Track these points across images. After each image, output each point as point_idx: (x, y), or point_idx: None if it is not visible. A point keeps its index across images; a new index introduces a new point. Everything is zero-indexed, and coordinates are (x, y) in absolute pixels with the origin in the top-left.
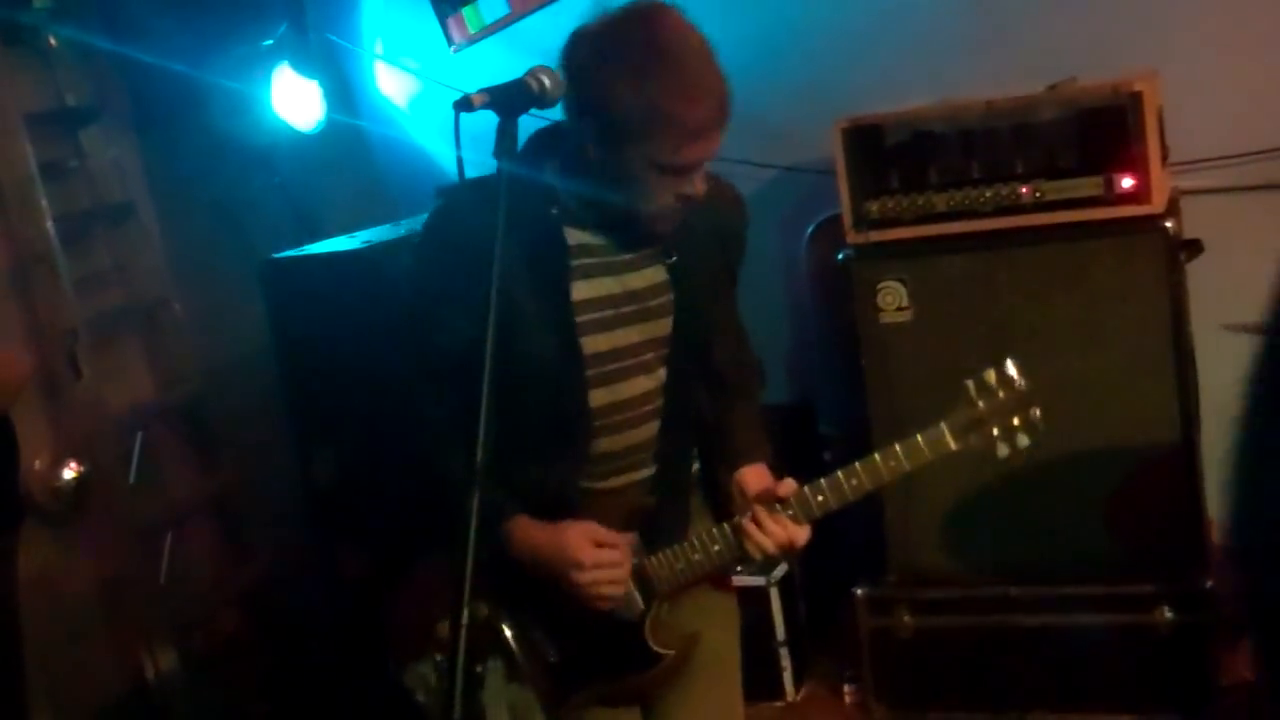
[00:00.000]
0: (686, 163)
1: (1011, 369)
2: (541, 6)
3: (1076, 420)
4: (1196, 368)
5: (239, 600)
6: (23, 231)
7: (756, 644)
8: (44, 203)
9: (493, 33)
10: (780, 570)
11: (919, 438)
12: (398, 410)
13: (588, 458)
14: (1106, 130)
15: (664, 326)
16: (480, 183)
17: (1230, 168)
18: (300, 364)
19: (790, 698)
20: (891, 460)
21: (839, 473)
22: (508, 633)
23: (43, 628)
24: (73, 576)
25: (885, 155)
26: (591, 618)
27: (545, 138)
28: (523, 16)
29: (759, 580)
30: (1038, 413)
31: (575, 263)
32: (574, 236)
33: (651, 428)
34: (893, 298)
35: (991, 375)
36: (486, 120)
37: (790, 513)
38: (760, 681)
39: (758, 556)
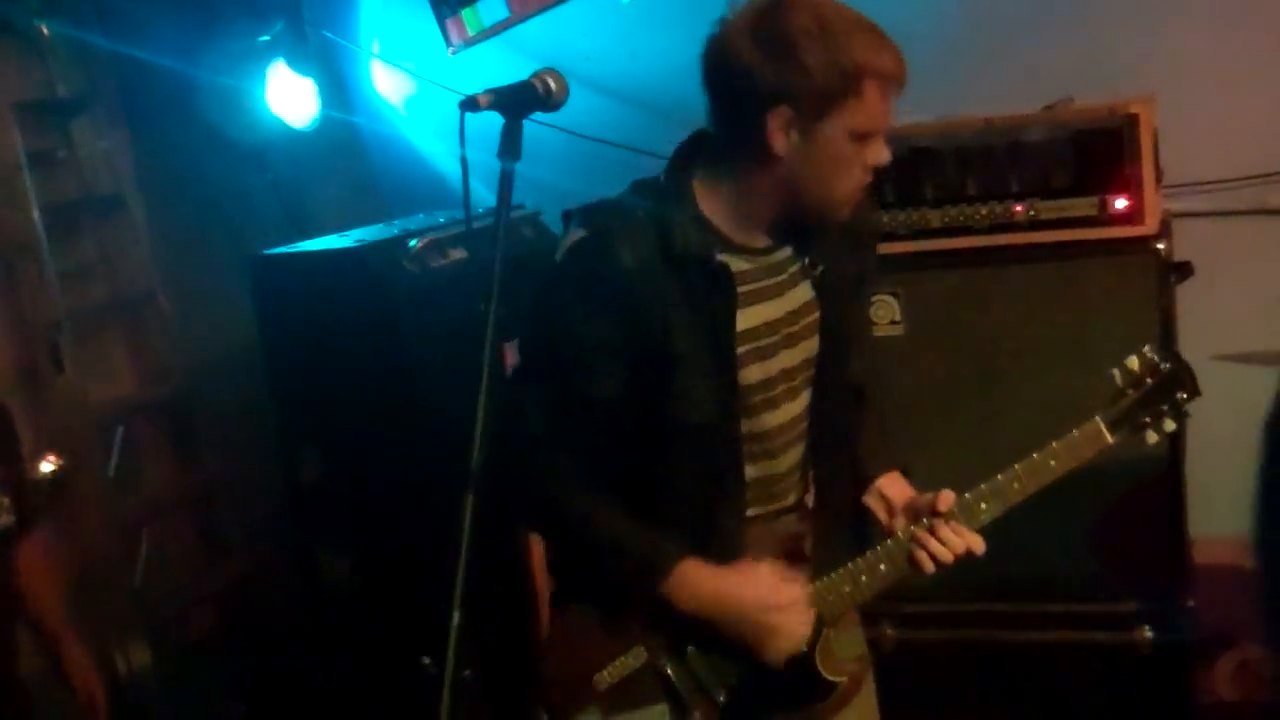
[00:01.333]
0: (883, 122)
1: (1152, 354)
2: (541, 11)
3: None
4: None
5: (215, 599)
6: (8, 221)
7: None
8: (31, 193)
9: (491, 35)
10: None
11: (1076, 433)
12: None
13: (738, 491)
14: (1102, 151)
15: (811, 347)
16: (621, 210)
17: (1222, 192)
18: (288, 363)
19: None
20: (1051, 459)
21: (999, 477)
22: (671, 674)
23: None
24: None
25: (881, 170)
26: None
27: (686, 160)
28: (522, 20)
29: None
30: (1184, 395)
31: (741, 290)
32: (734, 264)
33: (798, 452)
34: (886, 312)
35: (1135, 363)
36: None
37: (957, 523)
38: None
39: (931, 569)
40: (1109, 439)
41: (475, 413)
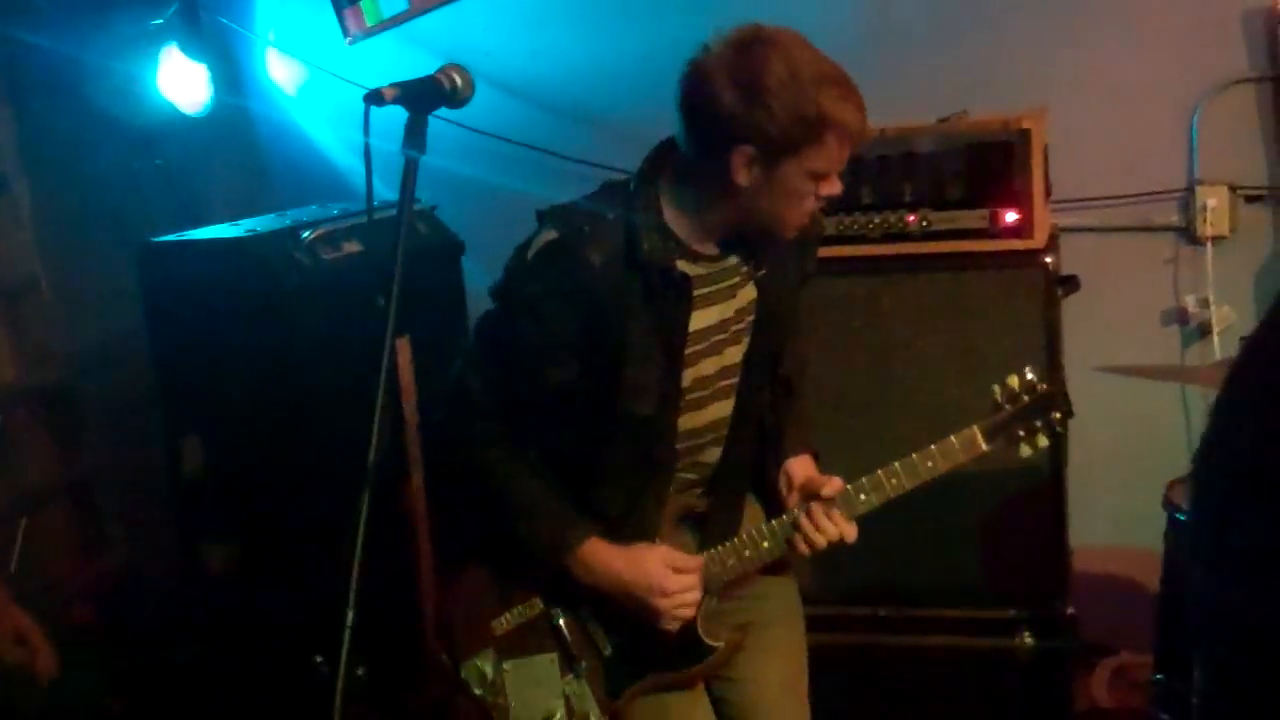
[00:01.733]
0: (839, 165)
1: (1031, 375)
2: (442, 5)
3: None
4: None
5: (95, 591)
6: None
7: None
8: None
9: (390, 27)
10: None
11: (954, 439)
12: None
13: (666, 476)
14: (993, 165)
15: (740, 350)
16: (591, 215)
17: (1108, 208)
18: (174, 352)
19: None
20: (929, 460)
21: (880, 472)
22: (563, 626)
23: None
24: None
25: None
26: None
27: (652, 172)
28: (422, 13)
29: None
30: (1057, 416)
31: (696, 293)
32: (691, 270)
33: (718, 448)
34: None
35: (1014, 381)
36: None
37: (836, 511)
38: None
39: (807, 552)
40: (983, 446)
41: (366, 407)
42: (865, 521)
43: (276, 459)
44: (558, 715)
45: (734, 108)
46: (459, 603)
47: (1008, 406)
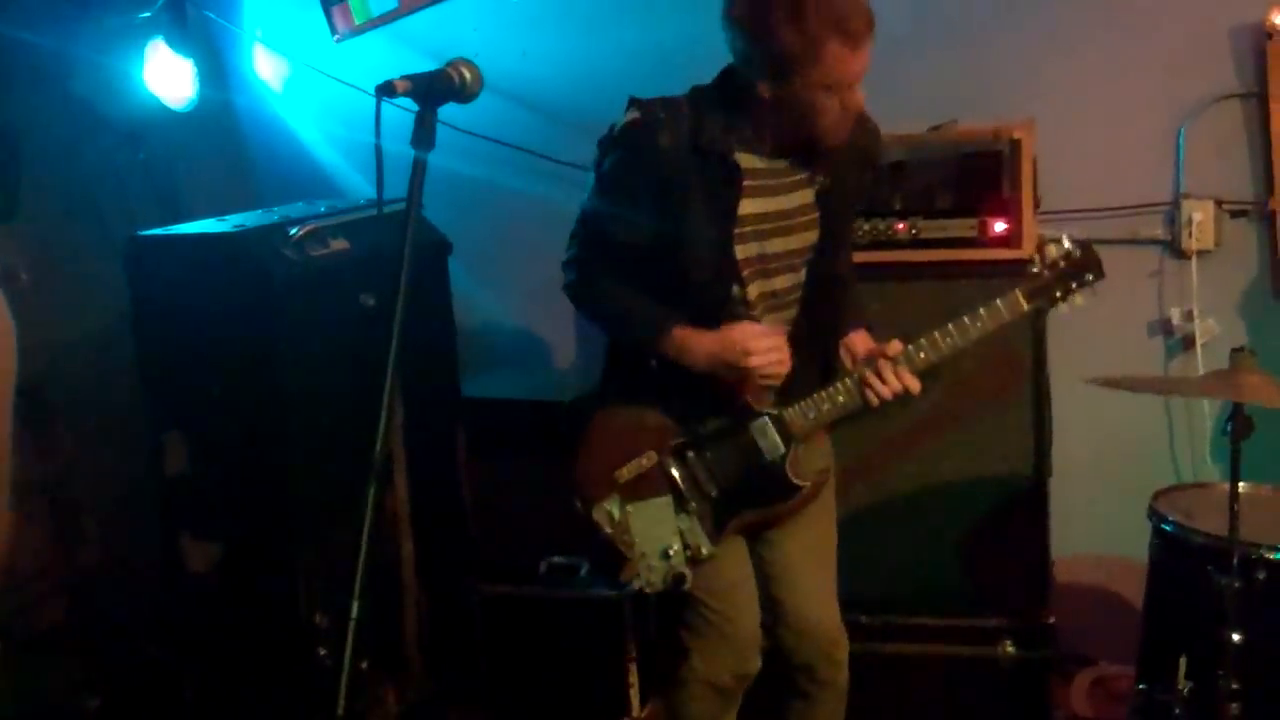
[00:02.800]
0: (850, 75)
1: (1067, 243)
2: (431, 4)
3: (934, 455)
4: (1052, 412)
5: (70, 589)
6: None
7: (605, 659)
8: None
9: (378, 26)
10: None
11: (998, 301)
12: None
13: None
14: (983, 174)
15: (808, 239)
16: (669, 104)
17: (1095, 220)
18: (158, 347)
19: (636, 714)
20: (977, 321)
21: (935, 332)
22: (675, 474)
23: None
24: None
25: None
26: (744, 459)
27: (725, 77)
28: (411, 12)
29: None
30: (1090, 277)
31: (746, 183)
32: (746, 161)
33: (793, 311)
34: None
35: (1053, 250)
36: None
37: (901, 366)
38: (607, 697)
39: (876, 402)
40: (1024, 306)
41: (351, 406)
42: (846, 527)
43: (260, 457)
44: (674, 547)
45: (742, 31)
46: (588, 453)
47: (1046, 272)
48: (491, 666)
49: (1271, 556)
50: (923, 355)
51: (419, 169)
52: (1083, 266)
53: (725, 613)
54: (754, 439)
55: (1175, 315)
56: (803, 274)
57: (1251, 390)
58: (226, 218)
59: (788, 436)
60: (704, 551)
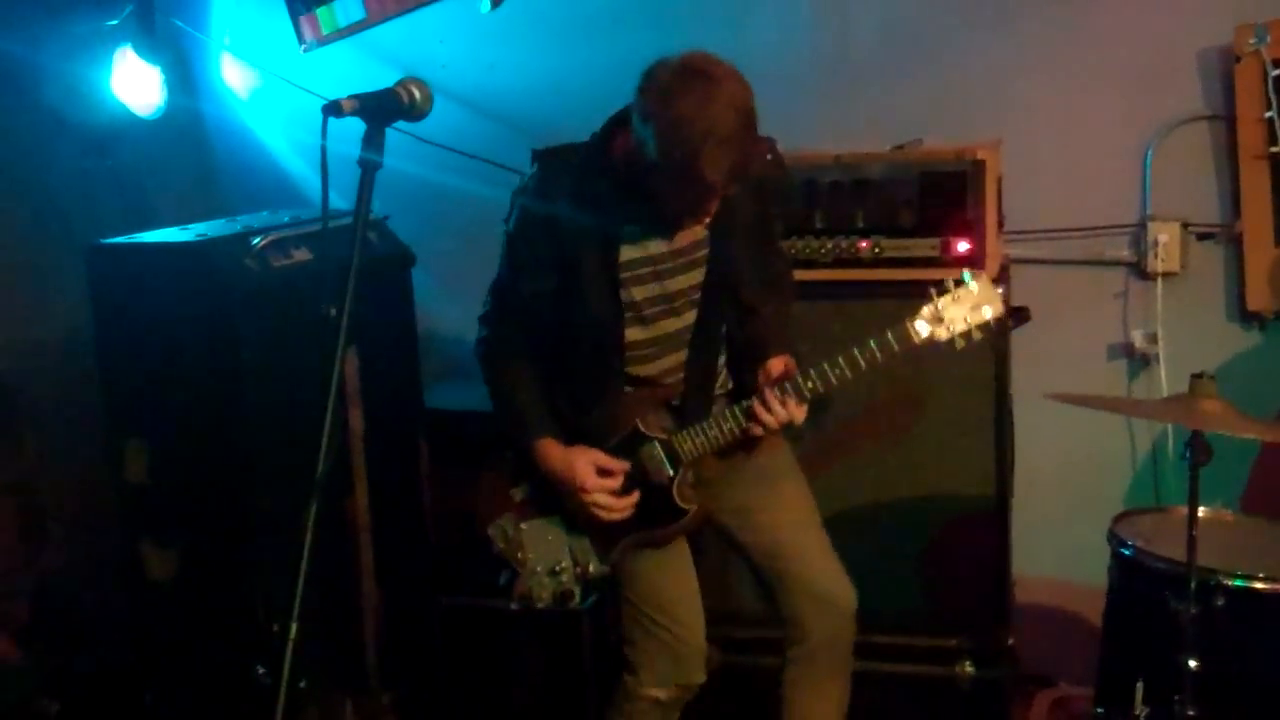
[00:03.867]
0: (704, 194)
1: (969, 278)
2: (399, 14)
3: (896, 474)
4: (1014, 432)
5: (31, 592)
6: None
7: (564, 673)
8: None
9: (346, 36)
10: (592, 599)
11: (889, 334)
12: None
13: (623, 378)
14: (947, 194)
15: (698, 276)
16: (563, 156)
17: (1060, 240)
18: (120, 354)
19: None
20: (866, 353)
21: (825, 364)
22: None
23: None
24: None
25: None
26: (632, 481)
27: (616, 123)
28: (379, 22)
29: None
30: (989, 311)
31: (627, 228)
32: (630, 208)
33: (680, 355)
34: None
35: (950, 283)
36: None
37: (788, 396)
38: (565, 710)
39: (759, 432)
40: (916, 338)
41: (312, 417)
42: None
43: (220, 465)
44: (564, 563)
45: (644, 116)
46: (484, 482)
47: (939, 303)
48: (450, 678)
49: (1230, 583)
50: (810, 384)
51: (366, 186)
52: (980, 300)
53: (669, 625)
54: (643, 462)
55: (1139, 338)
56: (690, 316)
57: (1209, 418)
58: (189, 227)
59: (676, 460)
60: (592, 569)
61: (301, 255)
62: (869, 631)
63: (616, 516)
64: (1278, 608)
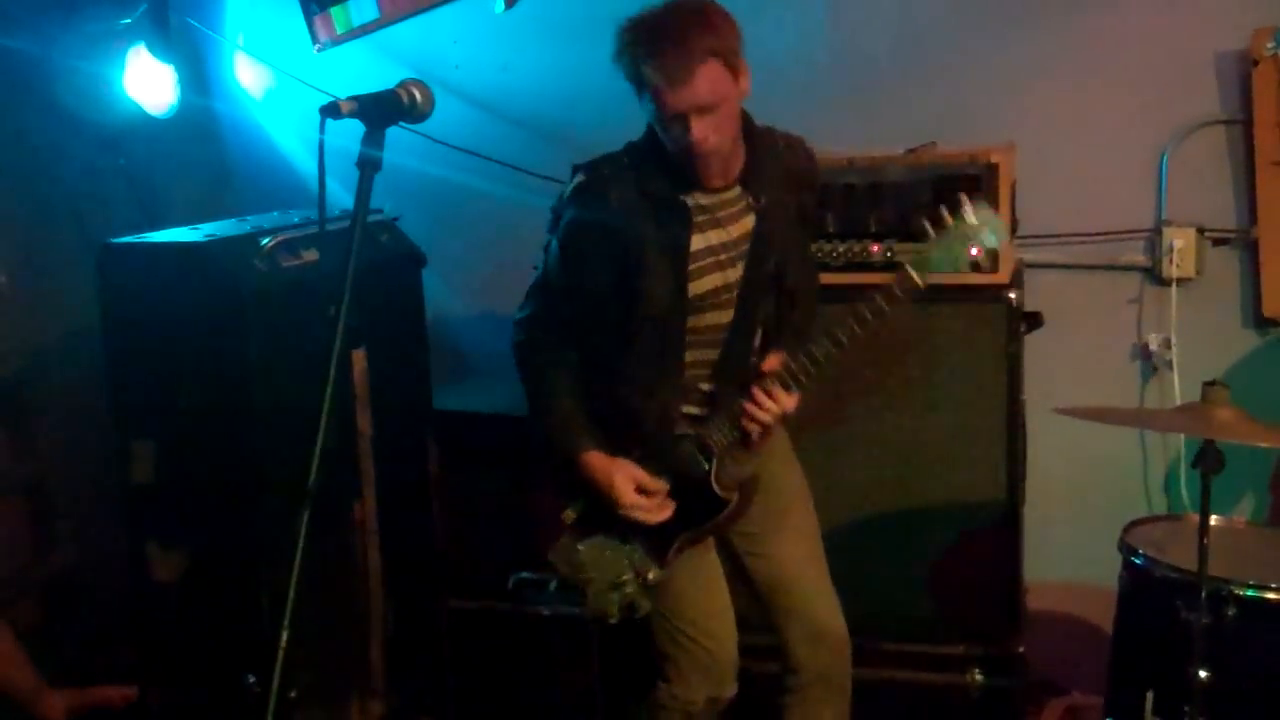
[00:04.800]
0: (672, 112)
1: (966, 207)
2: (412, 14)
3: (907, 480)
4: (1027, 438)
5: (41, 591)
6: None
7: (573, 675)
8: None
9: (359, 36)
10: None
11: (877, 295)
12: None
13: (678, 370)
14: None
15: (742, 269)
16: (612, 160)
17: (1075, 245)
18: (128, 354)
19: None
20: (849, 326)
21: (813, 347)
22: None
23: None
24: None
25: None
26: (671, 481)
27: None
28: (392, 22)
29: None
30: (992, 238)
31: (695, 220)
32: (692, 199)
33: (718, 347)
34: None
35: (945, 213)
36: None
37: (775, 387)
38: (574, 713)
39: (755, 430)
40: (921, 283)
41: (318, 415)
42: None
43: (227, 467)
44: (626, 575)
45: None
46: (539, 507)
47: (933, 234)
48: (458, 682)
49: (1241, 593)
50: (800, 367)
51: (364, 186)
52: (977, 229)
53: (701, 639)
54: (677, 461)
55: (1154, 343)
56: (734, 307)
57: (1221, 426)
58: (199, 227)
59: (708, 453)
60: (651, 576)
61: (310, 256)
62: (880, 639)
63: (661, 518)
64: None
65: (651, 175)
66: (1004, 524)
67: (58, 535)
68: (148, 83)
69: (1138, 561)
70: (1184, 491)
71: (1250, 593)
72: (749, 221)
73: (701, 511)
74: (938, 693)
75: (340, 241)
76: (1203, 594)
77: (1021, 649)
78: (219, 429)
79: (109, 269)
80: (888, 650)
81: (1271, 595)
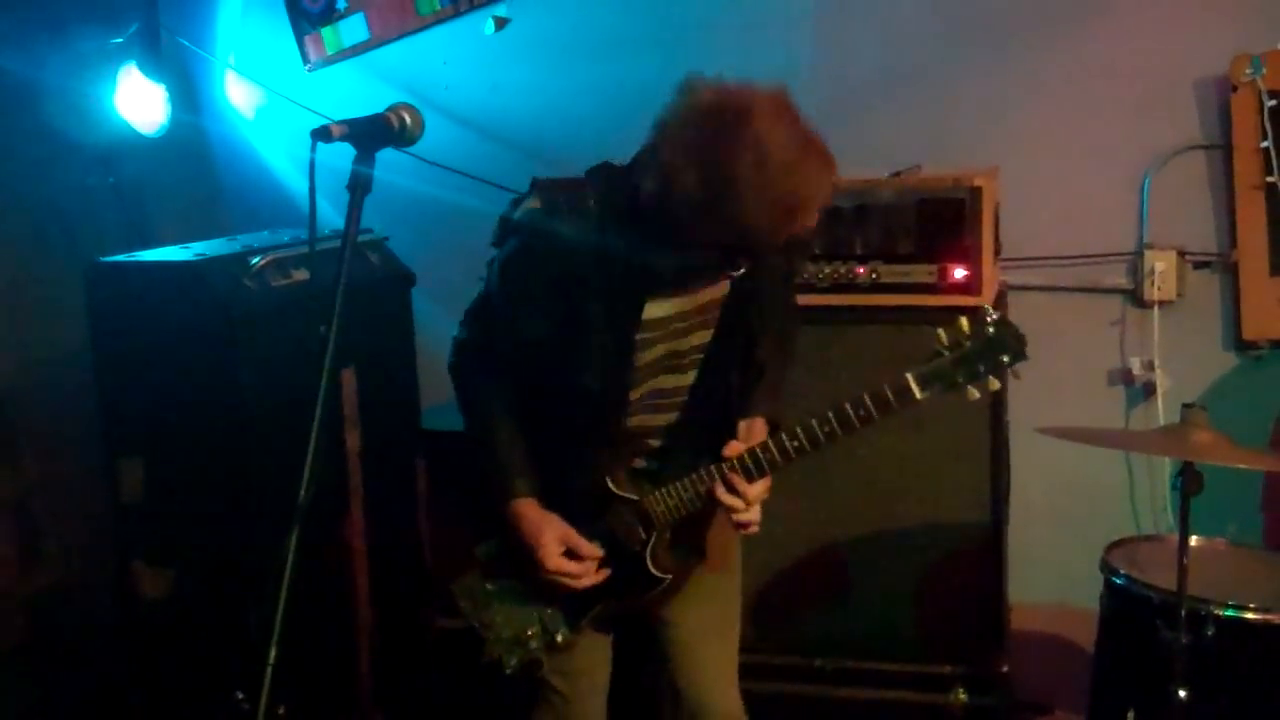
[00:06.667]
0: (749, 263)
1: (976, 319)
2: (403, 36)
3: (891, 500)
4: (1010, 459)
5: (27, 609)
6: None
7: None
8: None
9: (350, 56)
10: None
11: (885, 388)
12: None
13: (616, 438)
14: (944, 220)
15: (706, 335)
16: (574, 190)
17: (1057, 268)
18: (117, 373)
19: None
20: (860, 409)
21: (813, 421)
22: None
23: None
24: None
25: None
26: (604, 548)
27: (640, 168)
28: (383, 44)
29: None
30: (1006, 358)
31: (655, 288)
32: (658, 261)
33: (674, 413)
34: None
35: (963, 324)
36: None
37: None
38: None
39: (722, 503)
40: (917, 395)
41: (307, 437)
42: (801, 569)
43: (216, 486)
44: (533, 629)
45: (665, 162)
46: (446, 540)
47: (946, 353)
48: (445, 701)
49: (1220, 613)
50: (794, 444)
51: (354, 210)
52: (997, 345)
53: (568, 696)
54: (613, 524)
55: (1136, 365)
56: (692, 375)
57: (1199, 448)
58: (189, 245)
59: (649, 525)
60: (560, 639)
61: (300, 275)
62: (864, 658)
63: (584, 585)
64: (1269, 638)
65: (613, 225)
66: (988, 544)
67: (44, 554)
68: (138, 102)
69: (1118, 581)
70: (1169, 511)
71: (1229, 612)
72: (723, 286)
73: (629, 585)
74: (922, 712)
75: (330, 261)
76: (1182, 613)
77: (1005, 668)
78: (208, 447)
79: (99, 287)
80: (872, 670)
81: (1251, 615)
